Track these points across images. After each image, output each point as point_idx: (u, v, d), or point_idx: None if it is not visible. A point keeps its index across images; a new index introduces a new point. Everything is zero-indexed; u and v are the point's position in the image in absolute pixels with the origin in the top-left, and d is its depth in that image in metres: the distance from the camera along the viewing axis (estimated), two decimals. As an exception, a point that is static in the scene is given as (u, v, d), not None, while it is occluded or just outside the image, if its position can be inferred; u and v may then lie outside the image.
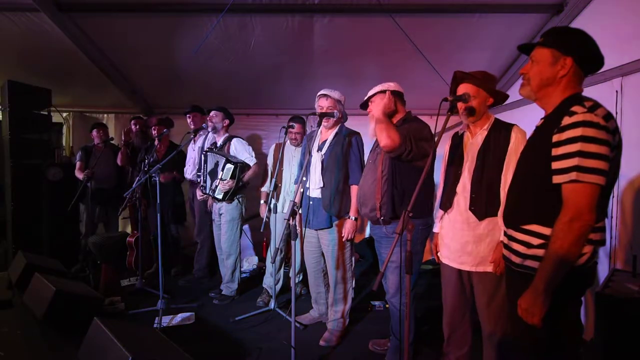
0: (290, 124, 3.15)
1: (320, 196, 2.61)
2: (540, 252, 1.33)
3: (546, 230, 1.32)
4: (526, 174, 1.45)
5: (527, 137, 1.62)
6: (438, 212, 2.14)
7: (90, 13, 3.10)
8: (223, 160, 3.17)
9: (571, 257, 1.24)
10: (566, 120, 1.26)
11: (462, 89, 1.96)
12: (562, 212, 1.25)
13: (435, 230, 2.19)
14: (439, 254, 2.13)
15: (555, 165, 1.28)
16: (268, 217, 2.82)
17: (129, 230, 4.18)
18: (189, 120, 3.76)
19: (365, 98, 2.35)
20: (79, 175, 3.94)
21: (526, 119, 1.98)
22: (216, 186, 3.23)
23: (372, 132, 2.19)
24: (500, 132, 1.90)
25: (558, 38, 1.39)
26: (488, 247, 1.89)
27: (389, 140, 2.05)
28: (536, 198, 1.38)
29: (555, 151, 1.28)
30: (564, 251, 1.23)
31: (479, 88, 1.93)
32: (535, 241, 1.36)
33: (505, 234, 1.52)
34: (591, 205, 1.22)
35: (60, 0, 2.94)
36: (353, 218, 2.57)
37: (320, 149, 2.67)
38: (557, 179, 1.27)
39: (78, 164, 4.02)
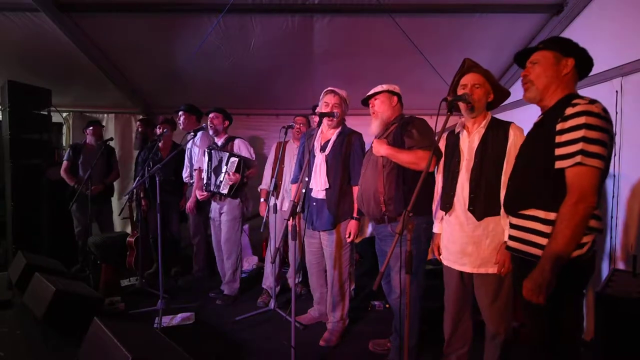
0: (291, 123, 3.23)
1: (324, 197, 2.58)
2: (541, 240, 1.39)
3: (547, 215, 1.40)
4: (527, 163, 1.52)
5: (525, 133, 1.67)
6: (438, 213, 2.12)
7: (90, 13, 3.10)
8: (227, 154, 3.23)
9: (576, 238, 1.32)
10: (569, 110, 1.35)
11: (469, 78, 1.91)
12: (567, 195, 1.33)
13: (435, 230, 2.16)
14: (440, 255, 2.11)
15: (559, 151, 1.36)
16: (268, 217, 2.82)
17: (129, 230, 4.18)
18: (179, 120, 3.73)
19: (369, 93, 2.34)
20: (64, 175, 3.90)
21: (521, 121, 1.96)
22: (221, 181, 3.23)
23: (375, 129, 2.28)
24: (498, 130, 1.87)
25: (557, 43, 1.51)
26: (489, 248, 1.86)
27: (420, 164, 2.08)
28: (537, 185, 1.45)
29: (559, 138, 1.36)
30: (570, 232, 1.30)
31: (485, 79, 1.91)
32: (537, 226, 1.42)
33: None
34: (594, 188, 1.31)
35: (60, 0, 2.94)
36: (356, 218, 2.58)
37: (323, 149, 2.65)
38: (560, 164, 1.35)
39: (65, 163, 3.95)
